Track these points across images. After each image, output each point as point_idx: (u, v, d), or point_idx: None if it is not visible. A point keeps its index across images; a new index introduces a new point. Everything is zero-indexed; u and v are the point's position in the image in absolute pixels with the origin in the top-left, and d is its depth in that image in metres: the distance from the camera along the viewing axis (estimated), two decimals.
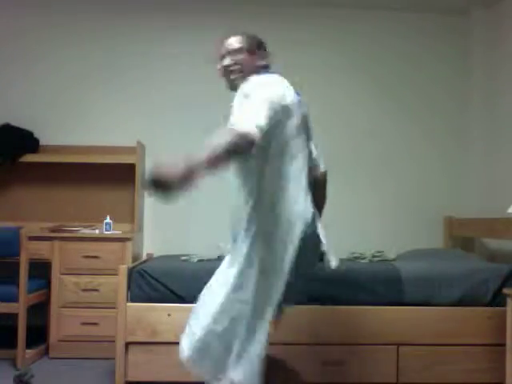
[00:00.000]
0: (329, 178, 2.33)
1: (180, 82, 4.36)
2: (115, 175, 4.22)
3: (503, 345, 2.89)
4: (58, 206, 4.23)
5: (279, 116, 1.96)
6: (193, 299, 2.98)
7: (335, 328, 2.96)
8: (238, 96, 2.05)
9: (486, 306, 3.08)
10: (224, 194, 4.41)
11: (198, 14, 4.40)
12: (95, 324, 3.64)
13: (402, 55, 4.50)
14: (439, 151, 4.47)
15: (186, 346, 2.05)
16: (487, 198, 4.19)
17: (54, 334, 3.65)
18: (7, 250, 3.34)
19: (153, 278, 3.04)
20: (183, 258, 3.53)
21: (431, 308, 3.07)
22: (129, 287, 3.03)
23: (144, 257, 4.12)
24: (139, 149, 4.04)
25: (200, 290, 2.98)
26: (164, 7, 4.39)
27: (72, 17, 4.33)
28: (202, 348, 1.99)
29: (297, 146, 2.03)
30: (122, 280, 2.99)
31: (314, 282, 2.86)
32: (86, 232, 3.87)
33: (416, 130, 4.49)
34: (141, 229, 4.16)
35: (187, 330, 2.09)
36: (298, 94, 2.14)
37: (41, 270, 3.70)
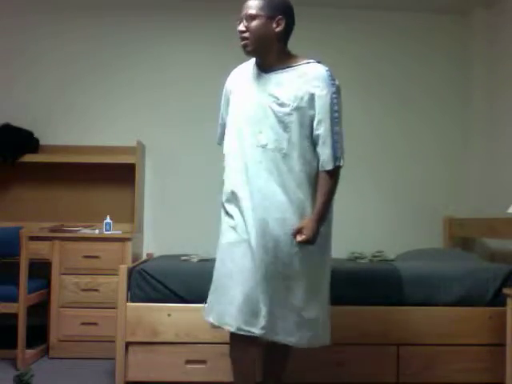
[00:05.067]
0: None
1: (180, 82, 4.36)
2: (115, 175, 4.22)
3: (503, 345, 2.89)
4: (58, 206, 4.23)
5: None
6: (193, 299, 3.01)
7: (335, 328, 2.95)
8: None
9: (486, 306, 3.08)
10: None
11: (198, 13, 4.40)
12: (95, 324, 3.64)
13: (403, 54, 4.50)
14: (439, 151, 4.47)
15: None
16: (487, 198, 4.19)
17: (54, 334, 3.65)
18: (7, 250, 3.34)
19: (153, 277, 3.03)
20: (183, 257, 3.54)
21: (431, 308, 3.07)
22: (129, 287, 3.03)
23: (144, 257, 4.12)
24: (139, 149, 4.04)
25: (200, 290, 2.99)
26: (165, 6, 4.39)
27: (72, 16, 4.33)
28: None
29: None
30: (121, 280, 2.99)
31: None
32: (86, 232, 3.87)
33: (416, 130, 4.49)
34: (141, 229, 4.16)
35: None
36: None
37: (41, 270, 3.70)
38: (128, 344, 2.97)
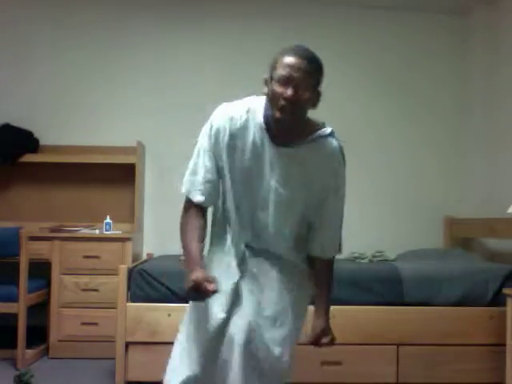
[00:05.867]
0: None
1: (180, 82, 4.36)
2: (115, 175, 4.21)
3: (503, 345, 2.89)
4: (58, 206, 4.22)
5: None
6: None
7: (335, 328, 2.94)
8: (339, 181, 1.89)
9: (486, 306, 3.09)
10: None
11: (198, 13, 4.40)
12: (95, 324, 3.64)
13: (401, 54, 4.49)
14: (439, 151, 4.47)
15: None
16: (487, 197, 4.19)
17: (54, 334, 3.65)
18: (7, 250, 3.34)
19: (153, 277, 3.04)
20: (183, 257, 3.53)
21: (431, 308, 3.07)
22: (129, 287, 3.03)
23: (144, 257, 4.12)
24: (139, 149, 4.04)
25: None
26: (166, 9, 4.38)
27: (72, 17, 4.33)
28: None
29: None
30: (121, 280, 3.00)
31: None
32: (86, 232, 3.87)
33: (416, 129, 4.48)
34: (141, 229, 4.16)
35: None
36: None
37: (41, 270, 3.70)
38: (128, 344, 2.97)
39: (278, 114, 1.69)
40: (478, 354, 3.05)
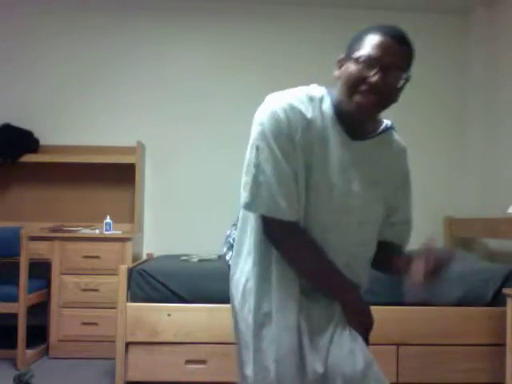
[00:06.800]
0: None
1: (180, 82, 4.36)
2: (115, 175, 4.21)
3: (503, 345, 2.89)
4: (58, 205, 4.23)
5: None
6: (193, 299, 3.01)
7: None
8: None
9: (486, 306, 3.08)
10: (222, 195, 4.40)
11: (198, 13, 4.40)
12: (95, 324, 3.64)
13: None
14: (439, 151, 4.47)
15: None
16: (487, 197, 4.19)
17: (53, 334, 3.65)
18: (7, 250, 3.34)
19: (153, 277, 3.04)
20: (183, 257, 3.54)
21: (431, 308, 3.06)
22: (129, 287, 3.03)
23: (144, 257, 4.12)
24: (139, 149, 4.04)
25: (200, 289, 3.00)
26: (164, 6, 4.39)
27: (72, 17, 4.33)
28: None
29: None
30: (121, 280, 3.00)
31: None
32: (86, 232, 3.87)
33: (416, 130, 4.48)
34: (141, 229, 4.16)
35: None
36: None
37: (41, 270, 3.70)
38: (128, 344, 2.97)
39: (359, 99, 1.39)
40: (478, 353, 3.05)
